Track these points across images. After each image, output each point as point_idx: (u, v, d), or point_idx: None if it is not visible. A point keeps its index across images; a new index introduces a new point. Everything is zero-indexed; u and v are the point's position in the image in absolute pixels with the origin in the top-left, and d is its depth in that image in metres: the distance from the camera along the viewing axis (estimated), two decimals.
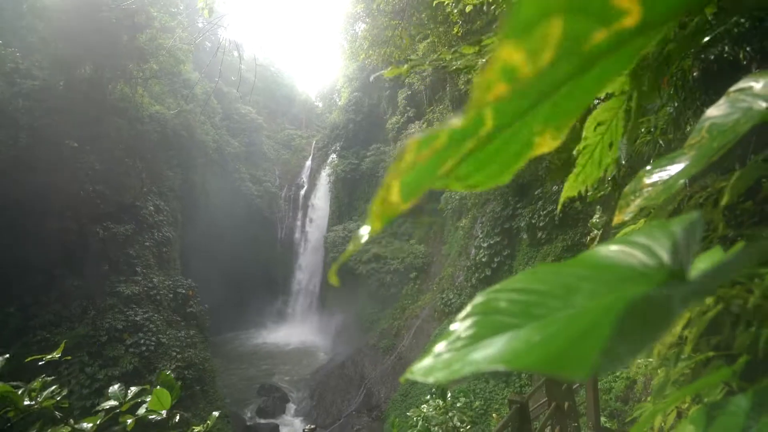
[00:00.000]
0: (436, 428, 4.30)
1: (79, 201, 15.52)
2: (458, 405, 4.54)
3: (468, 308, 0.31)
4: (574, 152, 0.93)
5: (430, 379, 0.27)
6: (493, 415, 5.78)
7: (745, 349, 0.64)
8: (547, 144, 0.27)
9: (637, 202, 0.50)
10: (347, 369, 19.96)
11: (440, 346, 0.29)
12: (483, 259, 15.69)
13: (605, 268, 0.31)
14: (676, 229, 0.34)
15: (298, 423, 18.19)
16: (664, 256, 0.31)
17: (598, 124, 0.89)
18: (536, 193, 13.91)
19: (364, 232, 0.30)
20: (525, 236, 14.08)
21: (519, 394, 3.34)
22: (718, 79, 1.02)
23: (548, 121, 0.25)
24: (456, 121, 0.23)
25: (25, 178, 14.04)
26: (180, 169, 22.82)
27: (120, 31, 16.65)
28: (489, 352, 0.26)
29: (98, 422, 1.69)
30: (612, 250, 0.33)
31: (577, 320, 0.26)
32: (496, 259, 15.48)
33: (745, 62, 1.00)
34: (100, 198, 16.27)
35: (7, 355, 1.72)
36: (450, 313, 16.07)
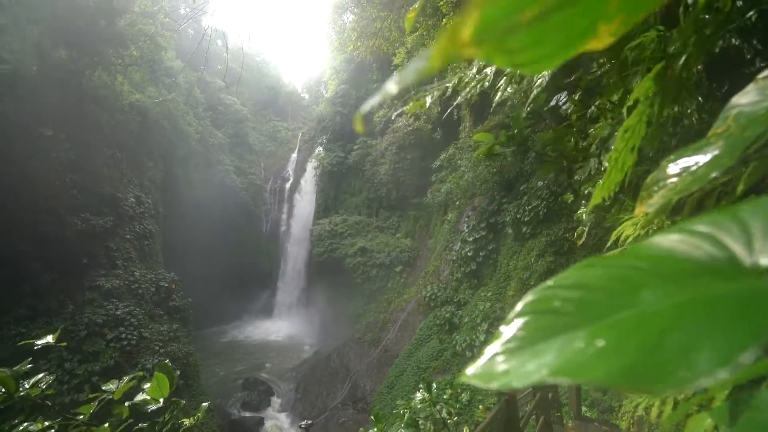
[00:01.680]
0: (423, 420, 4.33)
1: (54, 192, 14.98)
2: (445, 397, 4.59)
3: (519, 307, 0.29)
4: (605, 161, 0.92)
5: (493, 385, 0.25)
6: (480, 407, 5.86)
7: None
8: (603, 37, 0.23)
9: (661, 193, 0.49)
10: (333, 362, 19.98)
11: (493, 347, 0.27)
12: (468, 253, 15.84)
13: (666, 261, 0.28)
14: (746, 216, 0.30)
15: (283, 416, 18.17)
16: (736, 247, 0.27)
17: (625, 131, 0.89)
18: (522, 188, 14.07)
19: (416, 68, 0.25)
20: (510, 231, 14.26)
21: None
22: (722, 73, 1.03)
23: (623, 5, 0.22)
24: None
25: None
26: (162, 161, 22.26)
27: (97, 14, 16.00)
28: (548, 360, 0.23)
29: (91, 411, 1.65)
30: (672, 240, 0.29)
31: (647, 324, 0.23)
32: (481, 254, 15.65)
33: (749, 56, 1.01)
34: (77, 189, 15.74)
35: None
36: (435, 306, 16.21)
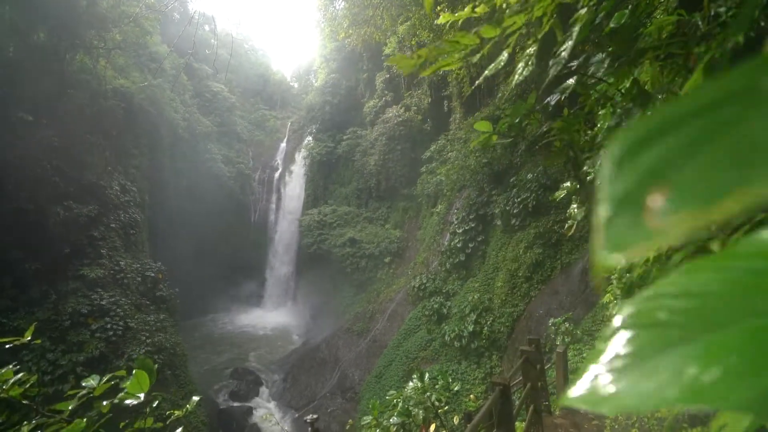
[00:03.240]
0: (416, 408, 4.38)
1: (35, 179, 14.53)
2: (437, 387, 4.65)
3: (618, 321, 0.26)
4: None
5: (603, 410, 0.22)
6: (471, 396, 5.96)
7: None
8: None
9: None
10: (321, 352, 20.07)
11: (597, 367, 0.24)
12: (457, 245, 15.97)
13: None
14: None
15: (271, 406, 18.24)
16: None
17: None
18: (511, 180, 14.19)
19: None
20: (499, 223, 14.41)
21: (502, 376, 3.45)
22: (740, 58, 1.01)
23: None
24: None
25: None
26: (147, 148, 21.77)
27: None
28: (664, 380, 0.20)
29: (70, 407, 1.62)
30: None
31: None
32: (470, 245, 15.79)
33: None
34: (59, 176, 15.29)
35: None
36: (424, 297, 16.35)
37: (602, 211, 0.24)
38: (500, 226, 14.42)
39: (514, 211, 13.33)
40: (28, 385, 1.60)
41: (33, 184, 14.42)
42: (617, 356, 0.24)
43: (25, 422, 1.57)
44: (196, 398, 2.47)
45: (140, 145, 21.06)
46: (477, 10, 1.70)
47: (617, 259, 0.23)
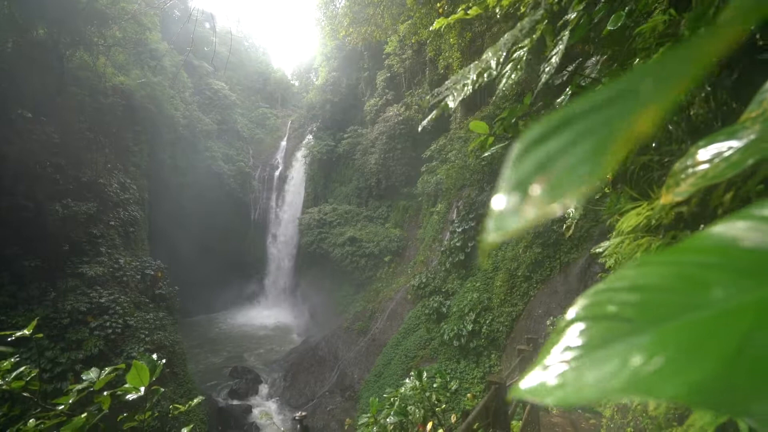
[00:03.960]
0: (413, 407, 4.37)
1: (34, 176, 14.51)
2: (435, 385, 4.63)
3: (571, 314, 0.26)
4: None
5: (548, 401, 0.22)
6: (468, 395, 5.95)
7: None
8: (641, 129, 0.23)
9: (690, 181, 0.47)
10: (321, 351, 20.07)
11: (549, 359, 0.25)
12: (457, 244, 15.94)
13: (736, 253, 0.24)
14: None
15: (271, 404, 18.24)
16: None
17: None
18: None
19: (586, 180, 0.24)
20: None
21: (498, 375, 3.44)
22: (731, 60, 1.01)
23: (658, 104, 0.23)
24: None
25: None
26: (147, 146, 21.74)
27: None
28: (607, 372, 0.21)
29: (70, 401, 1.63)
30: (739, 228, 0.26)
31: (725, 326, 0.20)
32: (470, 244, 15.76)
33: (760, 43, 0.99)
34: (59, 173, 15.28)
35: None
36: (423, 296, 16.33)
37: (495, 199, 0.27)
38: None
39: None
40: (29, 378, 1.60)
41: (32, 181, 14.40)
42: (568, 348, 0.24)
43: (31, 415, 1.58)
44: (200, 398, 2.50)
45: (140, 142, 21.03)
46: (470, 12, 1.68)
47: (500, 238, 0.26)
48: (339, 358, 18.95)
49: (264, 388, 19.23)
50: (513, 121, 2.33)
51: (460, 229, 16.16)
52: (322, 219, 25.58)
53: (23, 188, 14.20)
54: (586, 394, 0.21)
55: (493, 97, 16.61)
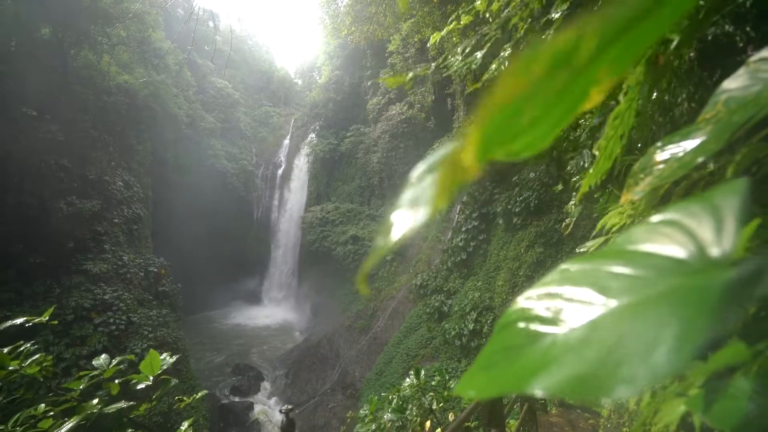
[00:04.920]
0: (411, 406, 4.39)
1: (39, 174, 14.63)
2: (433, 383, 4.65)
3: (504, 317, 0.28)
4: (594, 150, 0.91)
5: (470, 393, 0.24)
6: None
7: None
8: (595, 97, 0.22)
9: (647, 181, 0.48)
10: (323, 348, 20.13)
11: (480, 359, 0.26)
12: (459, 243, 15.94)
13: (635, 257, 0.27)
14: (718, 201, 0.29)
15: (272, 402, 18.33)
16: (706, 236, 0.27)
17: (615, 118, 0.87)
18: (513, 179, 14.13)
19: (419, 217, 0.24)
20: (501, 221, 14.35)
21: None
22: (714, 60, 1.01)
23: (614, 64, 0.20)
24: (561, 39, 0.19)
25: None
26: (151, 144, 21.86)
27: None
28: (518, 369, 0.23)
29: (81, 387, 1.68)
30: (643, 233, 0.28)
31: (606, 327, 0.22)
32: (472, 243, 15.75)
33: (741, 44, 0.99)
34: (63, 171, 15.39)
35: None
36: (425, 295, 16.34)
37: (396, 215, 0.27)
38: (502, 225, 14.37)
39: (516, 210, 13.28)
40: (43, 364, 1.66)
41: (37, 179, 14.52)
42: (494, 351, 0.25)
43: (42, 401, 1.63)
44: (204, 392, 2.56)
45: (144, 140, 21.14)
46: (462, 21, 1.70)
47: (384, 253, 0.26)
48: (341, 356, 19.00)
49: (266, 386, 19.33)
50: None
51: (462, 229, 16.16)
52: (325, 217, 25.63)
53: (28, 186, 14.33)
54: (489, 390, 0.22)
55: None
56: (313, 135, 30.91)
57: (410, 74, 1.77)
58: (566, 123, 0.23)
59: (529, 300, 0.28)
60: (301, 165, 31.54)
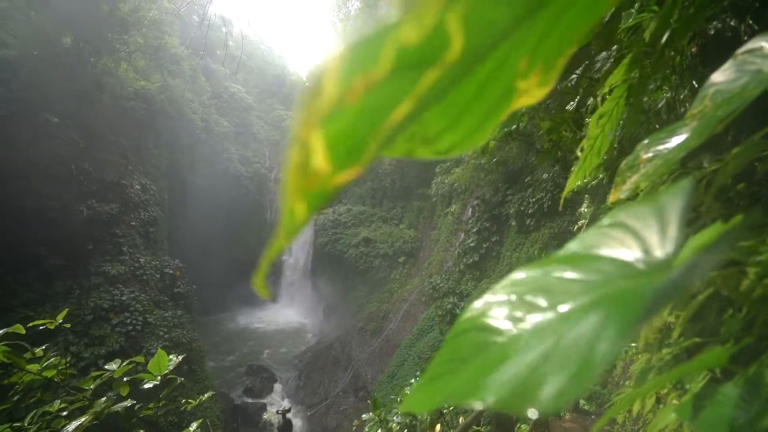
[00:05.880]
0: None
1: (60, 178, 15.09)
2: None
3: (456, 325, 0.28)
4: (578, 149, 0.89)
5: (415, 407, 0.24)
6: None
7: (732, 336, 0.62)
8: (533, 92, 0.20)
9: (633, 179, 0.47)
10: (335, 350, 20.18)
11: (429, 371, 0.26)
12: (471, 245, 15.82)
13: (588, 262, 0.27)
14: (665, 203, 0.29)
15: (285, 403, 18.44)
16: (653, 239, 0.27)
17: (600, 117, 0.86)
18: (526, 180, 13.97)
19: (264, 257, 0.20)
20: (514, 223, 14.20)
21: None
22: (717, 55, 0.98)
23: (535, 55, 0.18)
24: (407, 31, 0.15)
25: (2, 154, 13.56)
26: (167, 148, 22.32)
27: (100, 0, 15.95)
28: (466, 382, 0.22)
29: (92, 386, 1.75)
30: (595, 236, 0.28)
31: (545, 334, 0.22)
32: (484, 245, 15.62)
33: (746, 38, 0.96)
34: (83, 175, 15.84)
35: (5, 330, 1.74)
36: (438, 297, 16.25)
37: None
38: (515, 227, 14.21)
39: (529, 212, 13.12)
40: (60, 368, 1.77)
41: (58, 183, 14.98)
42: (442, 361, 0.25)
43: (59, 400, 1.70)
44: (210, 393, 2.61)
45: (160, 145, 21.61)
46: None
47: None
48: (353, 359, 19.02)
49: (279, 387, 19.47)
50: (514, 126, 2.32)
51: (474, 230, 16.04)
52: (337, 220, 25.75)
53: (49, 190, 14.78)
54: (439, 404, 0.21)
55: None
56: None
57: None
58: (498, 118, 0.20)
59: (480, 308, 0.27)
60: None
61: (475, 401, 0.19)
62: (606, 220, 0.30)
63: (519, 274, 0.29)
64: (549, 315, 0.23)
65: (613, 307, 0.21)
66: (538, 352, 0.20)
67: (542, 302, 0.25)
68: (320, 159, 0.16)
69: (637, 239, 0.27)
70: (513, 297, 0.27)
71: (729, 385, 0.44)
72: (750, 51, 0.43)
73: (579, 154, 0.85)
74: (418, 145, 0.20)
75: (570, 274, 0.26)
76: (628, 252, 0.27)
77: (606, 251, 0.27)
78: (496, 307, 0.27)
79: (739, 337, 0.60)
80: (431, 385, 0.23)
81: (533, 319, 0.24)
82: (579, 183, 0.88)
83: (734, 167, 0.56)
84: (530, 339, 0.22)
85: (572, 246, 0.29)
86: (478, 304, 0.28)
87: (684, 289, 0.22)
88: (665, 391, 0.90)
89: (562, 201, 1.02)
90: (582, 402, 6.20)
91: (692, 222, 0.74)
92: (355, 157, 0.16)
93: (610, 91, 0.82)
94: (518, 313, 0.25)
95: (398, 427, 3.89)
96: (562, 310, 0.23)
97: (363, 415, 3.85)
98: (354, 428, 6.58)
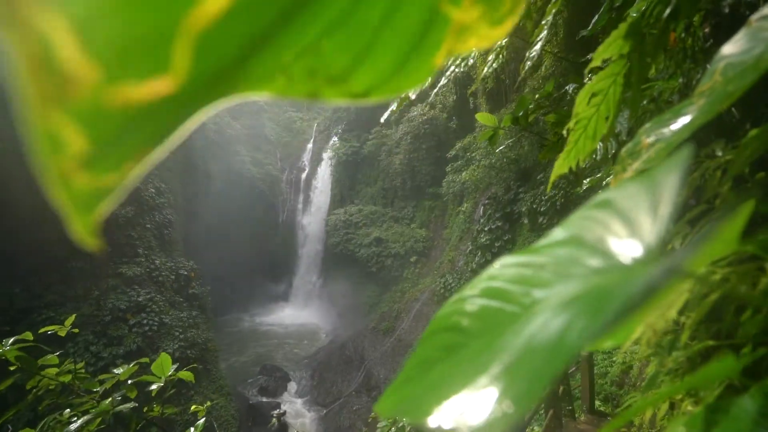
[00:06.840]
0: None
1: None
2: None
3: (431, 323, 0.26)
4: (565, 131, 0.84)
5: (383, 412, 0.22)
6: None
7: (750, 339, 0.57)
8: (480, 30, 0.15)
9: (635, 166, 0.42)
10: (348, 350, 20.23)
11: (402, 373, 0.24)
12: (484, 243, 15.66)
13: (567, 250, 0.25)
14: (659, 179, 0.25)
15: (299, 402, 18.57)
16: (641, 219, 0.24)
17: (593, 95, 0.80)
18: (538, 177, 13.76)
19: None
20: (526, 221, 14.00)
21: None
22: (731, 36, 0.92)
23: None
24: None
25: (22, 160, 13.96)
26: (181, 151, 22.70)
27: None
28: (430, 387, 0.20)
29: (99, 389, 1.80)
30: (580, 220, 0.26)
31: (520, 330, 0.20)
32: (496, 244, 15.44)
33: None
34: None
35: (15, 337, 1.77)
36: (449, 297, 16.14)
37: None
38: (527, 225, 14.01)
39: (542, 209, 12.92)
40: (75, 373, 1.80)
41: None
42: (418, 362, 0.23)
43: (69, 409, 1.73)
44: (208, 404, 2.67)
45: (173, 148, 21.98)
46: None
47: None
48: (365, 358, 19.03)
49: (292, 386, 19.60)
50: (521, 114, 2.25)
51: (486, 229, 15.87)
52: (348, 220, 25.80)
53: None
54: (405, 409, 0.20)
55: (523, 92, 16.20)
56: (336, 138, 31.22)
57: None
58: (425, 58, 0.16)
59: (453, 305, 0.26)
60: (324, 168, 31.90)
61: (440, 411, 0.17)
62: (594, 200, 0.28)
63: (496, 267, 0.28)
64: (521, 313, 0.21)
65: (583, 308, 0.19)
66: (499, 361, 0.18)
67: (515, 297, 0.23)
68: (70, 53, 0.09)
69: (623, 222, 0.25)
70: (488, 291, 0.25)
71: (746, 397, 0.39)
72: (766, 17, 0.38)
73: (564, 134, 0.79)
74: (322, 84, 0.16)
75: (547, 271, 0.24)
76: (611, 240, 0.25)
77: (589, 237, 0.25)
78: (469, 304, 0.25)
79: (758, 342, 0.55)
80: (401, 389, 0.22)
81: (501, 319, 0.22)
82: (572, 167, 0.83)
83: (751, 153, 0.50)
84: (494, 341, 0.20)
85: (557, 233, 0.27)
86: (453, 298, 0.27)
87: (664, 289, 0.19)
88: (679, 396, 0.85)
89: (549, 186, 0.97)
90: (598, 403, 6.06)
91: (704, 214, 0.69)
92: (148, 60, 0.10)
93: (602, 67, 0.77)
94: (488, 310, 0.23)
95: (410, 428, 3.86)
96: (533, 309, 0.21)
97: (373, 413, 3.82)
98: (369, 420, 6.55)
